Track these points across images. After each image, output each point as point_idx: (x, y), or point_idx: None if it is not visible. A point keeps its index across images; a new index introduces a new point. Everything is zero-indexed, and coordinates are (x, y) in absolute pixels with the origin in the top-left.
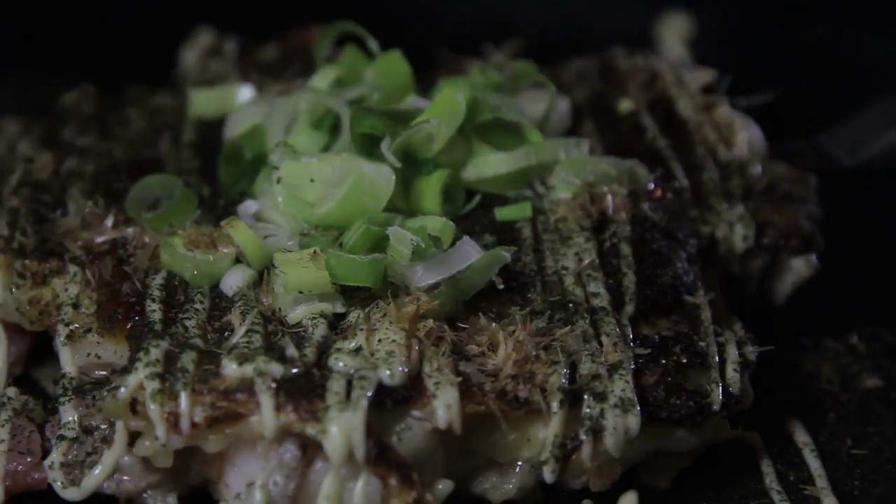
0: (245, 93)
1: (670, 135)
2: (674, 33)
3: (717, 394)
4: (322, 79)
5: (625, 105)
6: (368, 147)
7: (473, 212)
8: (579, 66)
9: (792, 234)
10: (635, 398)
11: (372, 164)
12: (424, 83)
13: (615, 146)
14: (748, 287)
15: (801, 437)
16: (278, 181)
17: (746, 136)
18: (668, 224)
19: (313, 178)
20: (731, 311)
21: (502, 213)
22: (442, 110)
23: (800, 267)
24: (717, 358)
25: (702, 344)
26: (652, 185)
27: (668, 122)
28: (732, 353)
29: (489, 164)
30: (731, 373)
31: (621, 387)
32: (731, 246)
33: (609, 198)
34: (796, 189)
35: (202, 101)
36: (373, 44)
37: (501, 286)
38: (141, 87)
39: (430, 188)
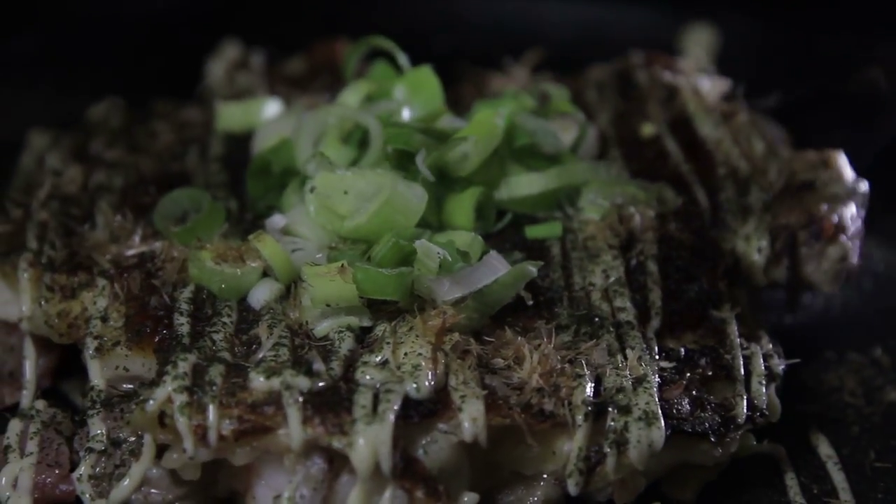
0: (272, 106)
1: (693, 157)
2: (698, 45)
3: (742, 407)
4: (352, 94)
5: (647, 129)
6: (402, 163)
7: (504, 230)
8: (598, 77)
9: (801, 227)
10: (659, 411)
11: (406, 182)
12: (449, 96)
13: (641, 174)
14: (781, 295)
15: (825, 450)
16: (312, 190)
17: (762, 146)
18: (695, 243)
19: (347, 190)
20: (758, 325)
21: (532, 231)
22: (479, 131)
23: (825, 252)
24: (742, 371)
25: (727, 357)
26: (678, 209)
27: (690, 144)
28: (758, 366)
29: (522, 184)
30: (757, 386)
31: (646, 400)
32: (751, 261)
33: (637, 218)
34: (818, 173)
35: (229, 115)
36: (402, 59)
37: (531, 302)
38: (168, 100)
39: (463, 205)
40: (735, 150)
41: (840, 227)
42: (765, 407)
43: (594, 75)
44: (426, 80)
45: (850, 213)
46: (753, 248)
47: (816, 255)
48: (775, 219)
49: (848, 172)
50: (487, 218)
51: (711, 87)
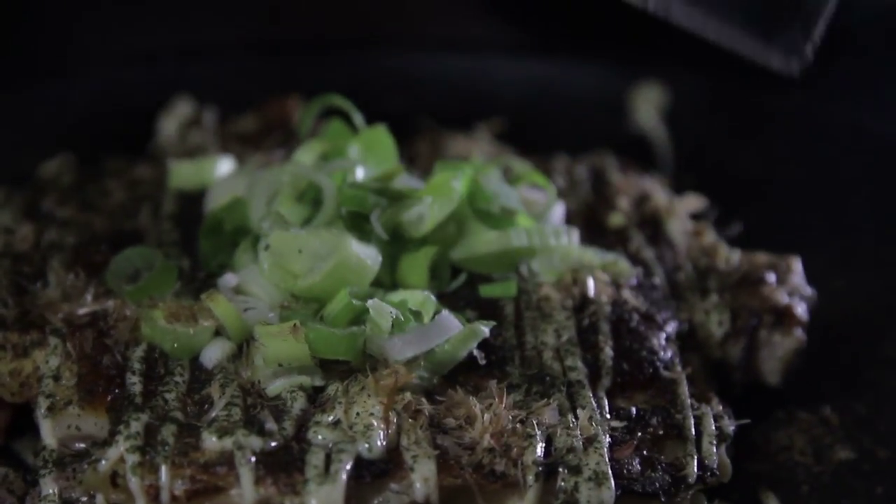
0: (225, 164)
1: (656, 247)
2: (647, 102)
3: (693, 467)
4: (306, 153)
5: (616, 219)
6: (357, 223)
7: (458, 289)
8: (567, 166)
9: (766, 311)
10: (609, 471)
11: (360, 243)
12: (404, 154)
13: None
14: (736, 374)
15: None
16: (266, 248)
17: (725, 255)
18: (648, 309)
19: (301, 249)
20: (709, 386)
21: (486, 290)
22: (437, 193)
23: (782, 342)
24: (693, 431)
25: (678, 417)
26: (634, 281)
27: (656, 238)
28: (709, 426)
29: (480, 243)
30: (707, 446)
31: (595, 460)
32: (709, 332)
33: (591, 282)
34: (775, 272)
35: (182, 173)
36: (357, 117)
37: (483, 361)
38: (120, 158)
39: (417, 265)
40: (698, 252)
41: (800, 321)
42: (715, 467)
43: (563, 164)
44: (381, 138)
45: (806, 310)
46: (714, 320)
47: (773, 343)
48: (736, 300)
49: (803, 276)
50: (442, 277)
51: (684, 202)
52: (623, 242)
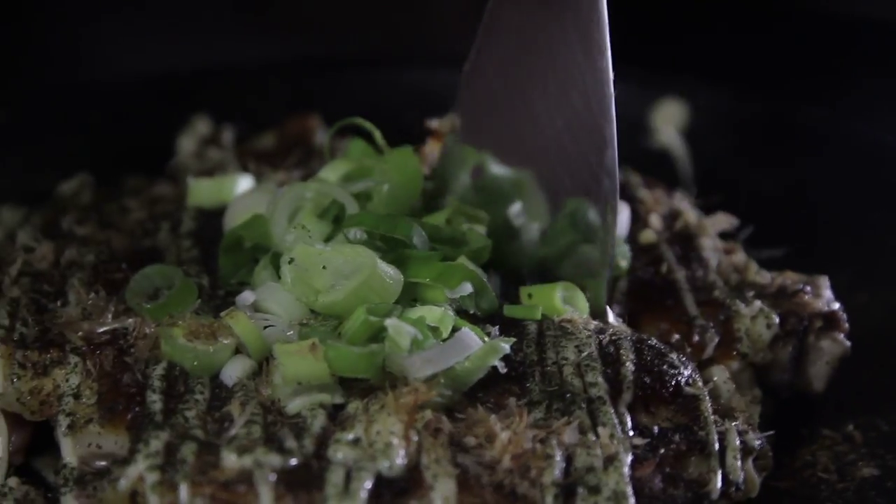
0: (244, 182)
1: (688, 268)
2: (668, 121)
3: (716, 482)
4: (332, 171)
5: (647, 236)
6: (379, 241)
7: (479, 305)
8: None
9: (813, 316)
10: (629, 491)
11: (384, 263)
12: None
13: (634, 279)
14: (784, 378)
15: None
16: (290, 262)
17: (755, 272)
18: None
19: (325, 265)
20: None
21: (510, 311)
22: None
23: (830, 347)
24: (716, 446)
25: (701, 433)
26: None
27: (687, 258)
28: (733, 440)
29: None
30: (731, 460)
31: (615, 479)
32: (757, 337)
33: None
34: (807, 285)
35: (201, 191)
36: (378, 137)
37: (504, 370)
38: (139, 177)
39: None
40: (730, 269)
41: (846, 327)
42: (741, 481)
43: None
44: (407, 160)
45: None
46: (761, 323)
47: (822, 348)
48: (780, 307)
49: (832, 296)
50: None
51: (713, 221)
52: (655, 263)
